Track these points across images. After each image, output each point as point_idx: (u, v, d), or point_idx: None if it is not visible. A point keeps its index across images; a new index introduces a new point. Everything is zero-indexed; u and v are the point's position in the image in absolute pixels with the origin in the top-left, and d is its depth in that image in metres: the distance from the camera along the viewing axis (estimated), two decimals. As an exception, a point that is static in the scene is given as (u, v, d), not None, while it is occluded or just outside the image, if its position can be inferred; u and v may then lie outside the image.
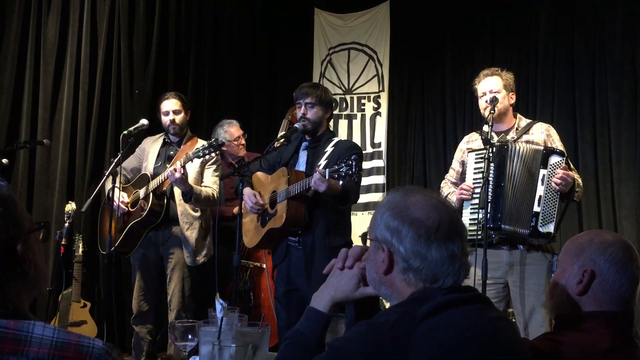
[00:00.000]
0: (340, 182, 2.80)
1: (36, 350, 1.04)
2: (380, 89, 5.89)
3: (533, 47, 5.30)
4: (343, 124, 5.94)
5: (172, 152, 3.92)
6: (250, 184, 3.35)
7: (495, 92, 3.23)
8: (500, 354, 1.22)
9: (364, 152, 5.59)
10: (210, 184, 3.86)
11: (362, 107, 5.95)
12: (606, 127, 4.87)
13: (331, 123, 3.45)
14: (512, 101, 3.30)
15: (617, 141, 4.79)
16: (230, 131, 4.51)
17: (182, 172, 3.51)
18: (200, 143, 3.90)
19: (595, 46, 4.99)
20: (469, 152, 3.31)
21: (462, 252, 1.31)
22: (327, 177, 2.80)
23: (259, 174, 3.36)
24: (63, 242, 4.19)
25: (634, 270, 1.52)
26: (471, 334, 1.21)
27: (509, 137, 3.22)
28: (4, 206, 1.14)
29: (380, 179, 5.76)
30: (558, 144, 3.21)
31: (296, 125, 3.25)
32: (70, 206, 4.23)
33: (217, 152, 3.73)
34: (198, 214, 3.82)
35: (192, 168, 3.77)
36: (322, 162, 3.16)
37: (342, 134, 5.83)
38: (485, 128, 3.27)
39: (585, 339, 1.46)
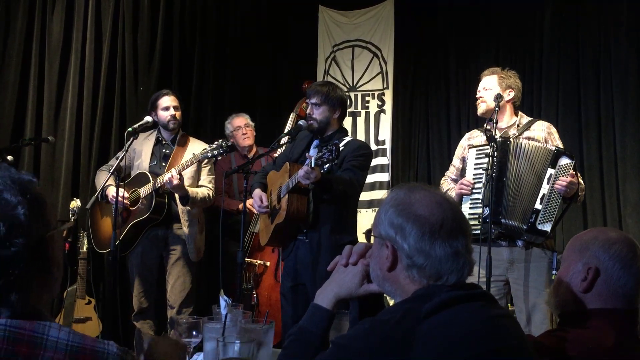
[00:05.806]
0: (326, 167, 2.79)
1: (51, 355, 1.02)
2: (385, 86, 5.88)
3: (538, 45, 5.28)
4: (347, 121, 5.91)
5: (167, 151, 3.91)
6: (265, 184, 3.36)
7: (488, 89, 3.29)
8: (504, 351, 1.21)
9: (368, 149, 5.59)
10: (206, 183, 3.90)
11: (367, 105, 5.94)
12: (611, 125, 4.84)
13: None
14: (509, 98, 3.30)
15: (622, 139, 4.77)
16: (233, 122, 4.62)
17: (179, 178, 3.56)
18: (194, 142, 3.92)
19: (600, 44, 4.97)
20: (469, 148, 3.33)
21: (466, 250, 1.31)
22: (313, 165, 2.79)
23: (272, 172, 3.37)
24: (68, 239, 4.20)
25: (639, 267, 1.52)
26: (475, 331, 1.21)
27: (510, 134, 3.24)
28: (37, 204, 1.11)
29: (384, 177, 5.75)
30: (559, 142, 3.23)
31: (300, 122, 3.25)
32: (75, 203, 4.24)
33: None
34: (195, 210, 3.86)
35: (189, 167, 3.78)
36: None
37: (346, 132, 5.82)
38: (488, 125, 3.32)
39: (590, 336, 1.46)
